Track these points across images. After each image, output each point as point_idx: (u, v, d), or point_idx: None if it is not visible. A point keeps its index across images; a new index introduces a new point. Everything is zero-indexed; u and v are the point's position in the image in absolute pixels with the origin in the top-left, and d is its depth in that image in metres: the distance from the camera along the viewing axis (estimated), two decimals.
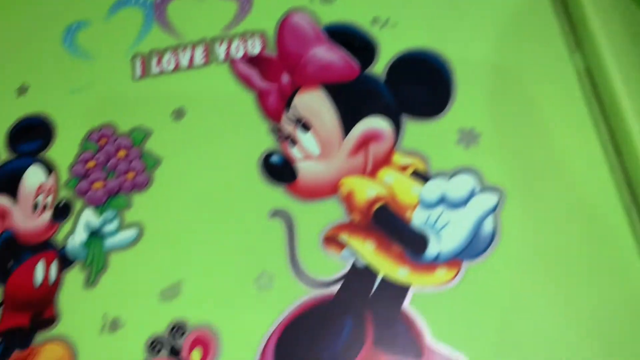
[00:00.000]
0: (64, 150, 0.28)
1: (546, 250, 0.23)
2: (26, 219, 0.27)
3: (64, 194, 0.27)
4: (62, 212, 0.26)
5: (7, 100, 0.29)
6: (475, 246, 0.23)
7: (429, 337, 0.22)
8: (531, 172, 0.24)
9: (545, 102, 0.26)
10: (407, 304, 0.23)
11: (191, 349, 0.23)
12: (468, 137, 0.25)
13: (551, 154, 0.25)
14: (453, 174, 0.25)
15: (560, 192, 0.24)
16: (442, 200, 0.24)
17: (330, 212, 0.25)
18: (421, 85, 0.27)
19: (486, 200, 0.24)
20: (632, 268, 0.22)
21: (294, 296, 0.23)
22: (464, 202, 0.24)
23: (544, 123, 0.25)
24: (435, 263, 0.23)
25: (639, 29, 0.26)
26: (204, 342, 0.23)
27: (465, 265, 0.23)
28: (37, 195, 0.27)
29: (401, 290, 0.23)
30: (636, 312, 0.22)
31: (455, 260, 0.23)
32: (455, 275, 0.23)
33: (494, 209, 0.24)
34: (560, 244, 0.23)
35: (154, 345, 0.24)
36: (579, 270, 0.23)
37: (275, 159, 0.26)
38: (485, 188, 0.24)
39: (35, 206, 0.27)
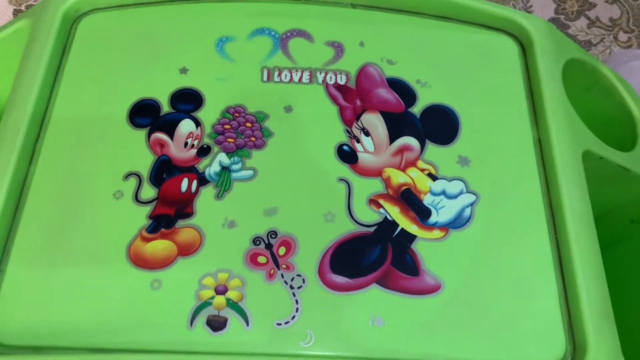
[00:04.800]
0: (208, 114, 0.42)
1: (494, 237, 0.39)
2: (178, 151, 0.41)
3: (206, 141, 0.41)
4: (204, 151, 0.41)
5: (172, 75, 0.44)
6: (458, 222, 0.39)
7: (423, 265, 0.37)
8: (495, 189, 0.41)
9: (511, 157, 0.42)
10: (413, 246, 0.38)
11: (279, 246, 0.38)
12: (463, 161, 0.41)
13: (508, 179, 0.41)
14: (451, 179, 0.41)
15: (511, 206, 0.40)
16: (443, 193, 0.40)
17: (375, 186, 0.40)
18: (439, 125, 0.43)
19: (468, 198, 0.40)
20: None
21: (347, 228, 0.38)
22: (455, 196, 0.40)
23: (510, 164, 0.42)
24: (433, 226, 0.39)
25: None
26: (288, 244, 0.38)
27: (450, 231, 0.39)
28: (187, 137, 0.41)
29: (411, 237, 0.38)
30: None
31: (445, 227, 0.39)
32: (444, 236, 0.39)
33: (472, 204, 0.40)
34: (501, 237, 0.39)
35: (255, 240, 0.38)
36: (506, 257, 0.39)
37: (345, 148, 0.42)
38: (468, 191, 0.40)
39: (185, 144, 0.41)
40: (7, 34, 0.48)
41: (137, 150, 0.41)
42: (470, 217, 0.39)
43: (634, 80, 0.56)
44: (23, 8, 0.85)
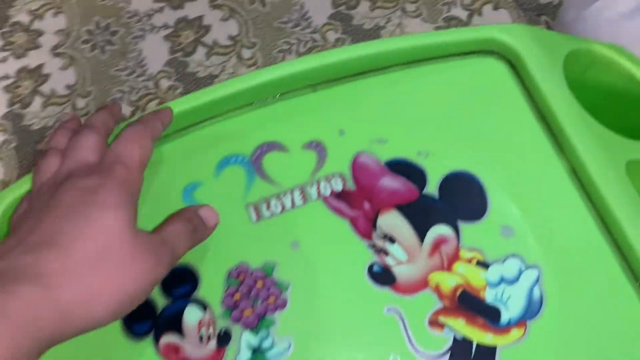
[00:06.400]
0: (210, 289, 0.36)
1: (575, 310, 0.34)
2: (196, 349, 0.35)
3: (222, 323, 0.35)
4: (224, 339, 0.35)
5: None
6: (532, 309, 0.34)
7: None
8: (553, 251, 0.36)
9: (553, 202, 0.37)
10: (497, 359, 0.33)
11: None
12: (507, 231, 0.36)
13: (562, 232, 0.36)
14: (504, 259, 0.35)
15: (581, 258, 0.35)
16: (502, 280, 0.35)
17: (427, 300, 0.35)
18: (463, 196, 0.37)
19: (530, 275, 0.35)
20: None
21: None
22: (517, 279, 0.35)
23: (556, 213, 0.37)
24: (509, 326, 0.34)
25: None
26: None
27: (529, 324, 0.34)
28: (199, 329, 0.35)
29: (491, 350, 0.33)
30: None
31: (521, 322, 0.34)
32: (524, 333, 0.34)
33: (537, 280, 0.35)
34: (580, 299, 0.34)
35: None
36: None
37: (376, 269, 0.36)
38: (528, 267, 0.35)
39: (201, 338, 0.35)
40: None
41: None
42: (542, 298, 0.34)
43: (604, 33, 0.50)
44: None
